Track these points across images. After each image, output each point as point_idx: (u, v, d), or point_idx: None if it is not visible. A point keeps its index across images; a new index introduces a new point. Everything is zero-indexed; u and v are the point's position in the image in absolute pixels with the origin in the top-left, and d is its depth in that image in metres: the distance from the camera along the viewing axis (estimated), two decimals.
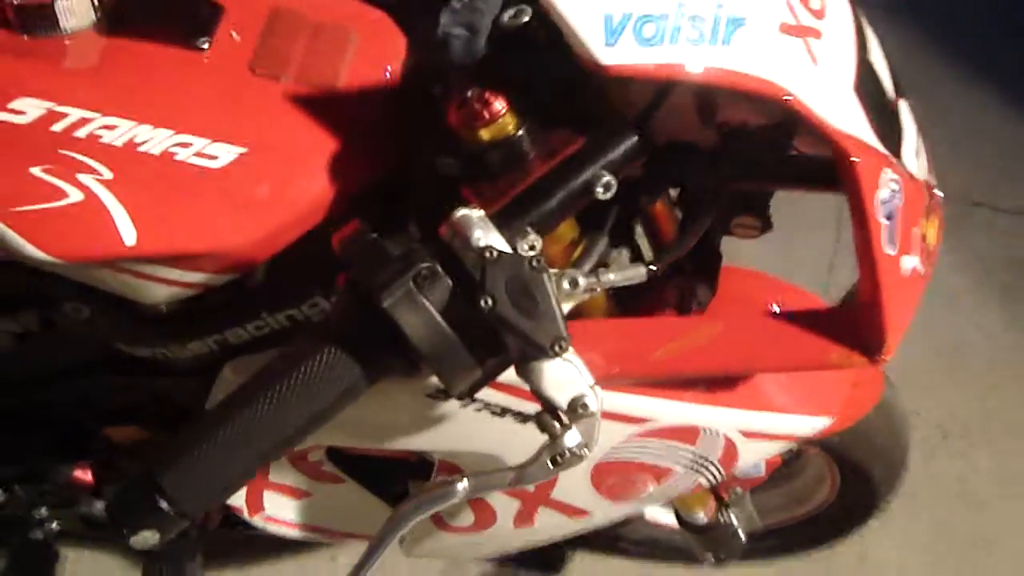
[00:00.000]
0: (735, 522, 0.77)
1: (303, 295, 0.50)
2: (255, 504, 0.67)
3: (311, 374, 0.39)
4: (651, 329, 0.48)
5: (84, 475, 0.73)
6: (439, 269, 0.38)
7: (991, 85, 1.67)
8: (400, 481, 0.66)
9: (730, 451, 0.55)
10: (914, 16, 1.74)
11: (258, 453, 0.40)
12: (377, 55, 0.53)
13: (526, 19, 0.47)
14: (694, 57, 0.39)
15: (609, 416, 0.51)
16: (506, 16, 0.48)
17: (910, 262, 0.47)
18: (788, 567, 1.00)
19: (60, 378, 0.61)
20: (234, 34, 0.50)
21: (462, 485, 0.40)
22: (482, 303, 0.37)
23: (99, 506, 0.71)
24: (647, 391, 0.51)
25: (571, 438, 0.40)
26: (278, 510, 0.68)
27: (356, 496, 0.66)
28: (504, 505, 0.61)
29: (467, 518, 0.63)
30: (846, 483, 0.79)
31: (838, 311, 0.48)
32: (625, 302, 0.55)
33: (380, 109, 0.50)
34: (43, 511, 0.69)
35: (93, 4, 0.48)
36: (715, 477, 0.59)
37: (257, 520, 0.67)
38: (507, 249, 0.39)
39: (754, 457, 0.57)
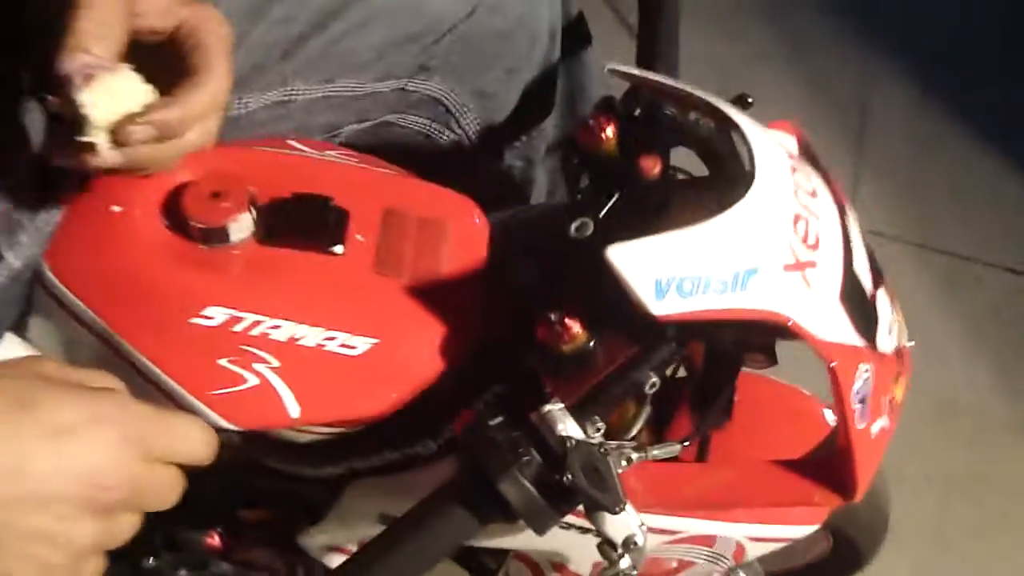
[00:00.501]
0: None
1: (417, 439, 0.65)
2: None
3: (444, 523, 0.54)
4: (681, 474, 0.62)
5: (214, 542, 0.89)
6: (534, 453, 0.53)
7: (990, 142, 1.81)
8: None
9: (740, 550, 0.70)
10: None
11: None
12: (468, 243, 0.67)
13: (590, 232, 0.61)
14: (720, 302, 0.53)
15: (648, 531, 0.65)
16: (572, 228, 0.62)
17: (878, 425, 0.61)
18: None
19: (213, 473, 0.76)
20: (359, 237, 0.64)
21: None
22: (565, 479, 0.52)
23: (225, 567, 0.87)
24: (676, 512, 0.66)
25: (624, 562, 0.55)
26: None
27: None
28: None
29: None
30: (837, 545, 0.94)
31: (822, 461, 0.63)
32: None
33: (473, 293, 0.64)
34: (183, 572, 0.85)
35: (252, 218, 0.62)
36: (728, 565, 0.74)
37: None
38: (581, 436, 0.53)
39: (759, 553, 0.72)
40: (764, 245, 0.54)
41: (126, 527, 0.49)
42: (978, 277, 1.57)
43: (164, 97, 0.50)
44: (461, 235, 0.67)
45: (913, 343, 0.70)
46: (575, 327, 0.56)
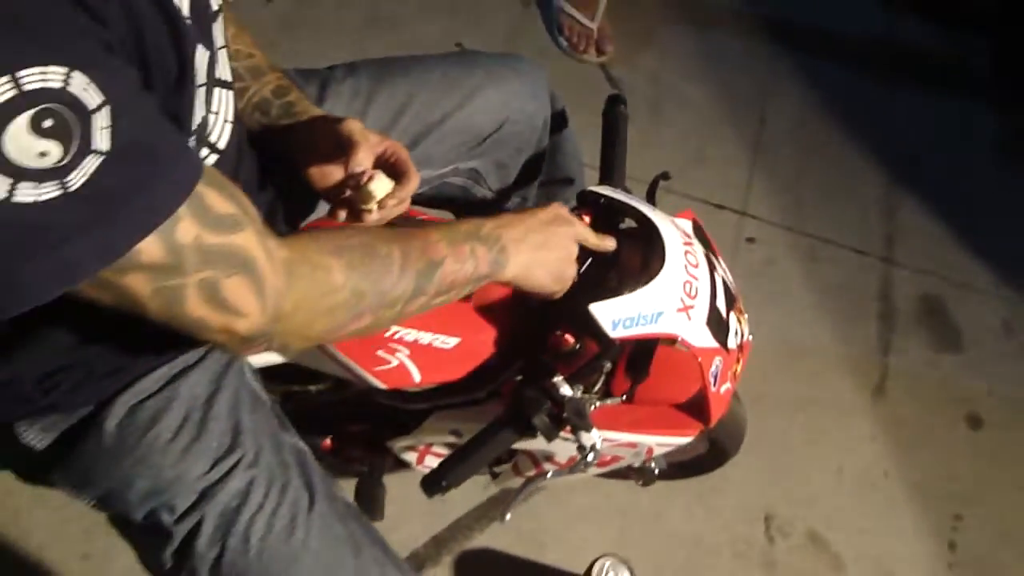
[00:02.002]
0: (654, 465, 1.46)
1: (476, 391, 1.13)
2: (420, 460, 1.33)
3: (501, 434, 1.02)
4: (620, 410, 1.13)
5: (327, 444, 1.38)
6: (548, 403, 1.02)
7: (855, 147, 2.29)
8: None
9: (650, 451, 1.22)
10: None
11: (479, 463, 1.04)
12: None
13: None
14: (643, 329, 1.01)
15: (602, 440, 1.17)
16: None
17: (724, 388, 1.11)
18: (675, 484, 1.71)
19: (338, 405, 1.24)
20: None
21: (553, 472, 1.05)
22: (564, 415, 1.01)
23: (331, 460, 1.36)
24: (617, 430, 1.17)
25: (590, 456, 1.05)
26: (431, 463, 1.34)
27: None
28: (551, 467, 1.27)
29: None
30: (712, 446, 1.48)
31: (694, 404, 1.13)
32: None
33: (511, 309, 1.12)
34: None
35: None
36: (643, 458, 1.26)
37: (419, 468, 1.33)
38: (571, 394, 1.03)
39: (661, 452, 1.24)
40: (666, 300, 1.02)
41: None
42: (832, 255, 2.10)
43: (396, 186, 0.92)
44: None
45: (753, 336, 1.21)
46: (570, 339, 1.05)
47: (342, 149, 0.89)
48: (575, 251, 0.96)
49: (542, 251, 0.91)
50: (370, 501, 1.43)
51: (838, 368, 1.95)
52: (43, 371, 0.80)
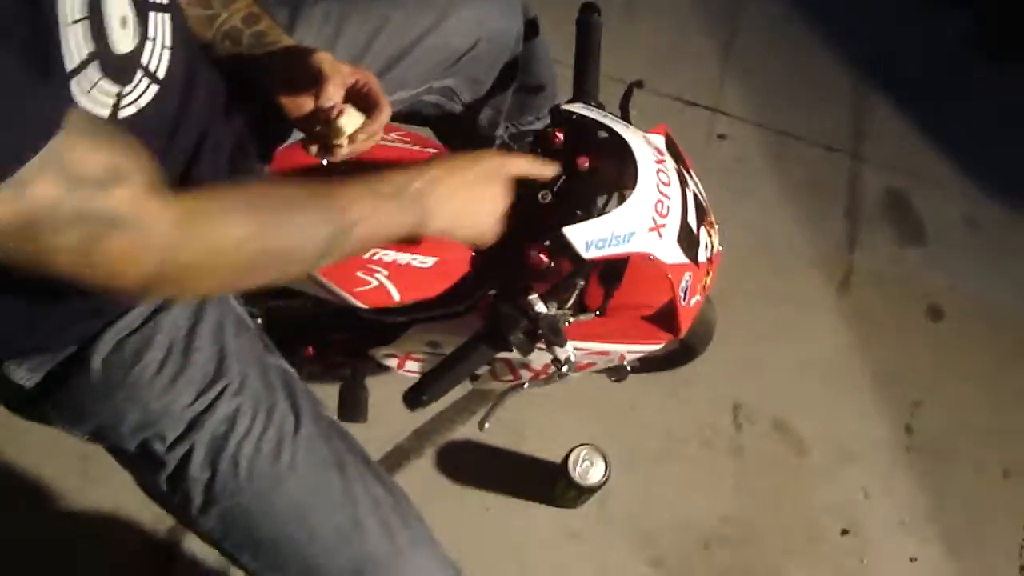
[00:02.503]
0: (626, 363, 1.50)
1: (454, 305, 1.15)
2: (401, 365, 1.36)
3: (478, 350, 1.05)
4: (593, 323, 1.16)
5: (308, 353, 1.40)
6: (524, 320, 1.04)
7: (829, 42, 2.25)
8: None
9: (622, 356, 1.26)
10: None
11: (458, 377, 1.07)
12: None
13: (549, 200, 1.10)
14: (616, 250, 1.03)
15: (576, 349, 1.20)
16: (539, 196, 1.11)
17: (694, 300, 1.14)
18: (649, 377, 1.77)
19: (320, 318, 1.26)
20: None
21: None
22: (539, 332, 1.04)
23: (314, 367, 1.39)
24: (591, 340, 1.20)
25: (566, 368, 1.09)
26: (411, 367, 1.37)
27: None
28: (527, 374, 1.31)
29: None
30: (682, 346, 1.52)
31: (665, 314, 1.16)
32: None
33: None
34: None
35: None
36: (616, 363, 1.30)
37: (401, 372, 1.36)
38: (546, 311, 1.05)
39: (632, 358, 1.28)
40: (638, 220, 1.03)
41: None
42: (802, 152, 2.10)
43: (367, 119, 0.91)
44: None
45: (722, 249, 1.23)
46: (544, 258, 1.06)
47: (314, 81, 0.88)
48: (504, 203, 0.96)
49: (469, 207, 0.91)
50: (354, 404, 1.47)
51: (805, 263, 1.98)
52: (25, 311, 0.80)
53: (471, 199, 0.90)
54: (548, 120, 1.15)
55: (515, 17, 1.24)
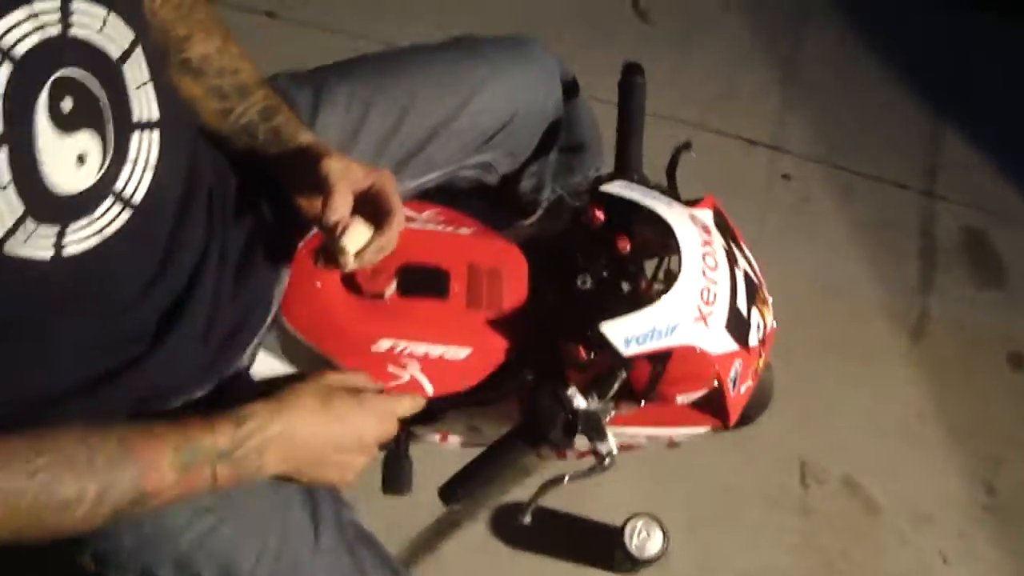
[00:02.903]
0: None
1: (491, 393, 1.09)
2: (443, 439, 1.31)
3: (515, 447, 0.99)
4: (639, 410, 1.09)
5: None
6: (563, 415, 0.98)
7: (899, 75, 2.11)
8: None
9: (671, 440, 1.19)
10: None
11: (495, 474, 1.01)
12: (516, 283, 1.08)
13: (588, 285, 1.04)
14: (657, 344, 0.96)
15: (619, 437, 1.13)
16: (579, 282, 1.04)
17: (744, 387, 1.06)
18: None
19: None
20: (455, 287, 1.05)
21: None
22: (578, 427, 0.97)
23: None
24: (634, 425, 1.13)
25: (607, 463, 1.02)
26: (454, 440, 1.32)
27: None
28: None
29: None
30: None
31: (713, 401, 1.08)
32: None
33: (521, 316, 1.07)
34: None
35: (395, 282, 1.03)
36: (665, 444, 1.22)
37: (443, 445, 1.31)
38: (585, 406, 0.98)
39: (682, 440, 1.20)
40: (682, 312, 0.96)
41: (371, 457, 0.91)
42: (871, 190, 1.98)
43: (377, 233, 0.86)
44: (512, 276, 1.07)
45: (776, 327, 1.14)
46: (583, 352, 1.00)
47: (323, 188, 0.83)
48: (366, 456, 0.91)
49: (316, 460, 0.85)
50: (398, 476, 1.41)
51: (875, 308, 1.87)
52: None
53: (323, 450, 0.85)
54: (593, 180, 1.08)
55: (552, 83, 1.18)
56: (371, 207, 0.85)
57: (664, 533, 1.45)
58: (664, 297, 0.95)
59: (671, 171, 1.17)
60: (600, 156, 1.41)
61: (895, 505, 1.68)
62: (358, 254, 0.84)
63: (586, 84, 1.91)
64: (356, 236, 0.83)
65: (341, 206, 0.81)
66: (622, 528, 1.44)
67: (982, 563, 1.64)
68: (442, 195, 1.26)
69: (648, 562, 1.45)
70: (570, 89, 1.28)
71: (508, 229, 1.53)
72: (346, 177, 0.82)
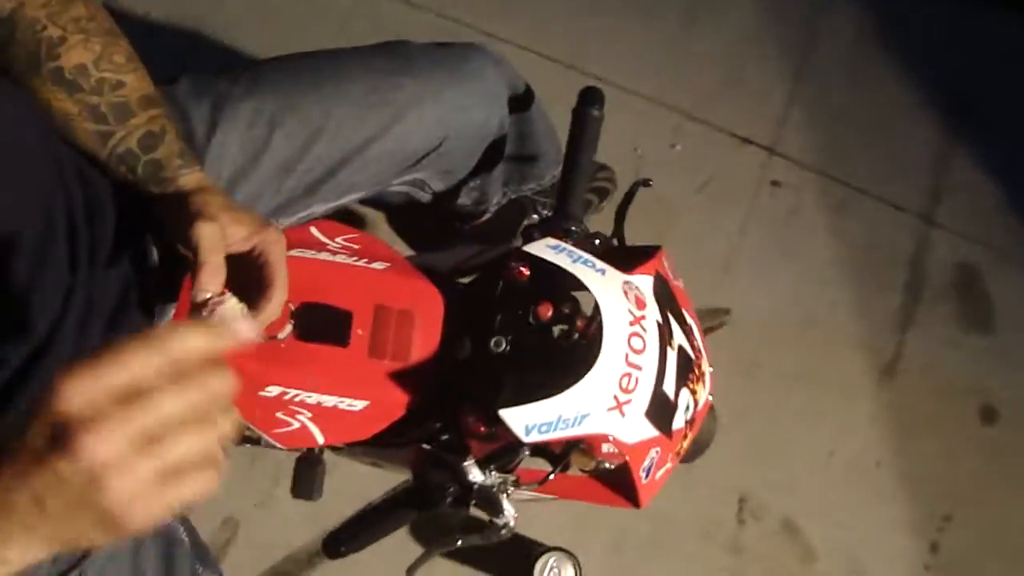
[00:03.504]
0: None
1: (389, 442, 1.04)
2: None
3: (403, 512, 0.95)
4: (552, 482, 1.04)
5: None
6: (456, 489, 0.93)
7: (916, 89, 1.99)
8: None
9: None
10: None
11: (382, 532, 0.97)
12: (429, 329, 1.01)
13: (503, 348, 0.97)
14: (564, 433, 0.90)
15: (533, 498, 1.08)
16: (492, 343, 0.98)
17: (660, 472, 1.01)
18: None
19: None
20: (359, 331, 0.98)
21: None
22: (471, 504, 0.93)
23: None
24: (540, 493, 1.08)
25: (505, 532, 0.98)
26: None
27: None
28: None
29: None
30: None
31: (624, 484, 1.03)
32: None
33: (428, 367, 1.00)
34: None
35: (291, 324, 0.96)
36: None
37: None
38: (481, 479, 0.93)
39: None
40: (594, 401, 0.90)
41: None
42: (865, 209, 1.88)
43: (252, 311, 0.79)
44: (425, 322, 1.01)
45: (712, 398, 1.08)
46: (482, 427, 0.94)
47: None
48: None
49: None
50: (310, 480, 1.38)
51: (849, 340, 1.80)
52: None
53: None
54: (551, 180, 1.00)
55: (497, 101, 1.09)
56: (250, 272, 0.78)
57: (577, 571, 1.42)
58: (575, 386, 0.89)
59: (622, 211, 1.10)
60: (557, 164, 1.32)
61: (832, 555, 1.66)
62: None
63: (576, 53, 1.81)
64: (226, 316, 0.76)
65: (209, 283, 0.73)
66: (533, 562, 1.42)
67: None
68: (371, 203, 1.19)
69: None
70: (522, 100, 1.19)
71: (454, 233, 1.45)
72: (219, 245, 0.74)
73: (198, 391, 0.45)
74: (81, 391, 0.42)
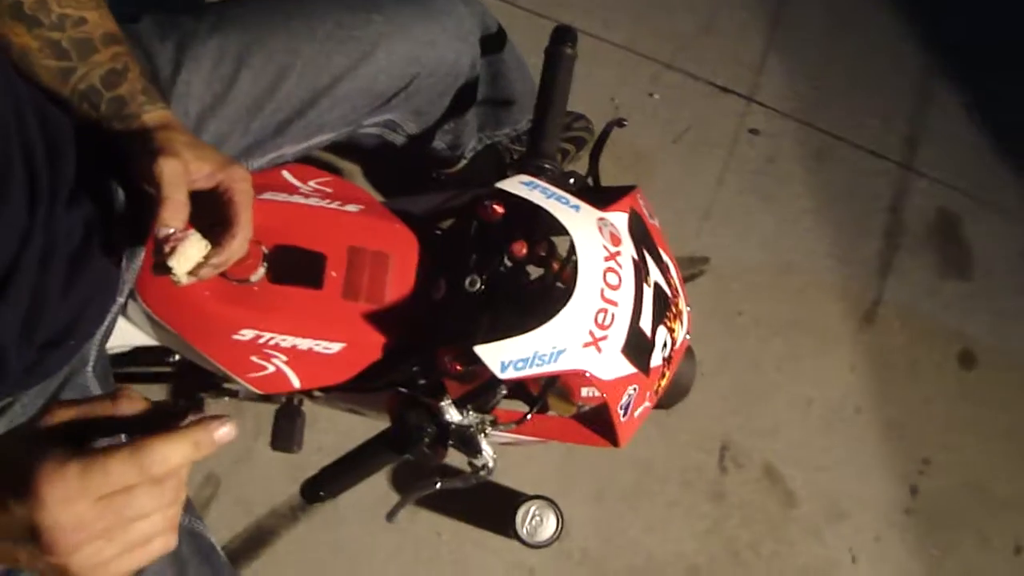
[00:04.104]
0: None
1: (366, 385, 1.05)
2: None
3: (381, 455, 0.96)
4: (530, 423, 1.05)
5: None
6: (434, 430, 0.94)
7: (895, 36, 1.99)
8: None
9: (564, 439, 1.16)
10: None
11: (360, 477, 0.98)
12: (404, 271, 1.02)
13: (478, 287, 0.98)
14: (540, 369, 0.91)
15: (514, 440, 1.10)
16: (467, 283, 0.99)
17: (639, 411, 1.03)
18: None
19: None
20: (333, 273, 0.99)
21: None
22: (449, 445, 0.94)
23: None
24: (518, 434, 1.10)
25: (484, 473, 0.99)
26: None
27: None
28: None
29: None
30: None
31: (603, 422, 1.05)
32: None
33: (405, 309, 1.02)
34: None
35: (264, 267, 0.97)
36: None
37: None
38: (459, 419, 0.95)
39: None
40: (570, 336, 0.92)
41: None
42: (844, 156, 1.90)
43: (215, 248, 0.78)
44: (400, 263, 1.02)
45: (690, 336, 1.10)
46: (458, 365, 0.95)
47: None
48: None
49: None
50: (289, 432, 1.40)
51: (828, 288, 1.83)
52: None
53: None
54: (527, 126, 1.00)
55: (468, 39, 1.08)
56: (215, 210, 0.78)
57: (559, 518, 1.45)
58: (551, 322, 0.90)
59: (596, 152, 1.10)
60: (530, 111, 1.33)
61: (814, 500, 1.70)
62: (192, 273, 0.77)
63: (550, 2, 1.80)
64: (189, 252, 0.76)
65: (172, 218, 0.74)
66: (515, 510, 1.44)
67: (890, 565, 1.67)
68: (345, 149, 1.19)
69: (539, 547, 1.45)
70: (495, 42, 1.19)
71: (431, 181, 1.45)
72: (182, 181, 0.75)
73: (171, 490, 0.52)
74: (65, 499, 0.48)
